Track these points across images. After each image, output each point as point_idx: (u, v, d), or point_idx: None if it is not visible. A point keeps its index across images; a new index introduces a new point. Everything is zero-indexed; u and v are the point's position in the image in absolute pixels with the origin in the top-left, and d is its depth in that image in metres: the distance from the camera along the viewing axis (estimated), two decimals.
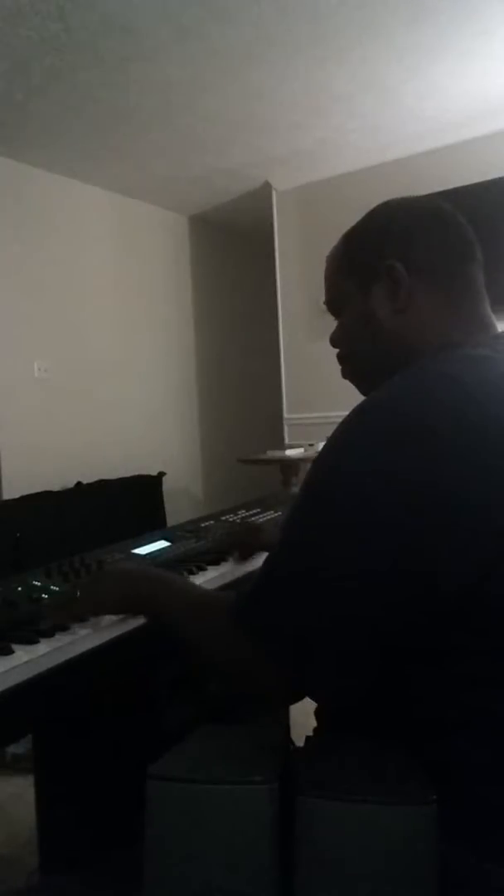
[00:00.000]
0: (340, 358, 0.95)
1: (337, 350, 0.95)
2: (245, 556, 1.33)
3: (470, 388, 0.71)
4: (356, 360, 0.93)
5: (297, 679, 0.75)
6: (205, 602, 0.90)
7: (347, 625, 0.70)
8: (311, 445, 3.59)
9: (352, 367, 0.94)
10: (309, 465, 0.78)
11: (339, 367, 0.96)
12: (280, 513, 1.68)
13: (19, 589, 1.07)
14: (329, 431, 0.76)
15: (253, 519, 1.64)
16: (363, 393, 0.92)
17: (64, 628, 0.94)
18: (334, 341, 0.95)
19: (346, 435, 0.73)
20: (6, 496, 3.21)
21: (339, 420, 0.75)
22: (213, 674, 1.02)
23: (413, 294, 0.84)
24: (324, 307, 0.96)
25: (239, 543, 1.37)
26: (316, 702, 0.79)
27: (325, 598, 0.70)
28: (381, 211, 0.90)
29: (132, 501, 3.07)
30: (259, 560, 1.30)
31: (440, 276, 0.84)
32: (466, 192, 3.20)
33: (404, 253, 0.84)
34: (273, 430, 4.26)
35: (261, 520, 1.63)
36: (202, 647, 0.86)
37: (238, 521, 1.62)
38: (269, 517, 1.65)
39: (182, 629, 0.88)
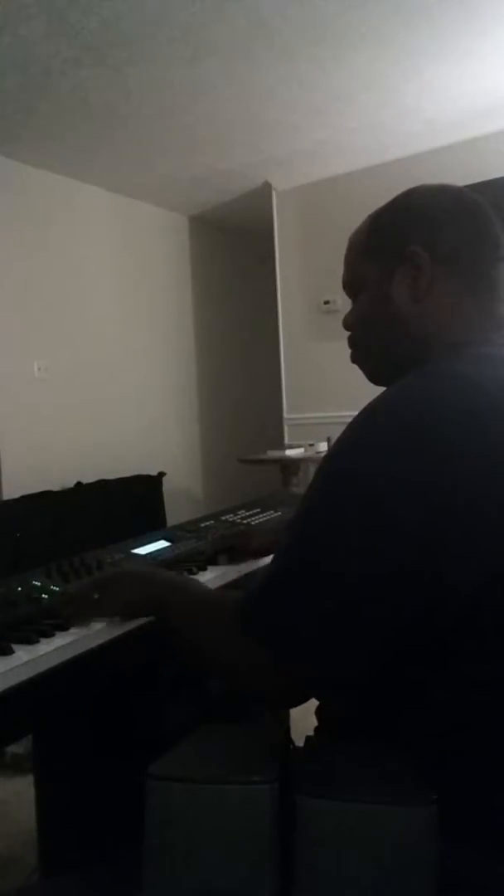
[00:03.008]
0: (351, 341, 0.92)
1: (349, 333, 0.92)
2: (235, 560, 1.31)
3: (484, 389, 0.70)
4: (366, 346, 0.90)
5: (305, 681, 0.74)
6: (210, 605, 0.87)
7: (356, 627, 0.69)
8: (311, 445, 3.58)
9: (361, 353, 0.91)
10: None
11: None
12: (280, 512, 1.68)
13: (19, 589, 1.07)
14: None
15: (252, 519, 1.64)
16: (369, 379, 0.90)
17: (64, 628, 0.94)
18: (347, 323, 0.91)
19: (358, 436, 0.71)
20: (6, 496, 3.21)
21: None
22: (219, 677, 1.01)
23: (434, 284, 0.81)
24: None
25: (229, 548, 1.35)
26: (324, 703, 0.79)
27: (334, 601, 0.69)
28: (414, 193, 0.86)
29: (132, 501, 3.06)
30: (250, 564, 1.30)
31: (465, 271, 0.81)
32: None
33: (432, 240, 0.81)
34: (273, 430, 4.25)
35: (260, 520, 1.63)
36: (207, 650, 0.84)
37: (238, 521, 1.61)
38: (268, 517, 1.65)
39: (187, 632, 0.86)
